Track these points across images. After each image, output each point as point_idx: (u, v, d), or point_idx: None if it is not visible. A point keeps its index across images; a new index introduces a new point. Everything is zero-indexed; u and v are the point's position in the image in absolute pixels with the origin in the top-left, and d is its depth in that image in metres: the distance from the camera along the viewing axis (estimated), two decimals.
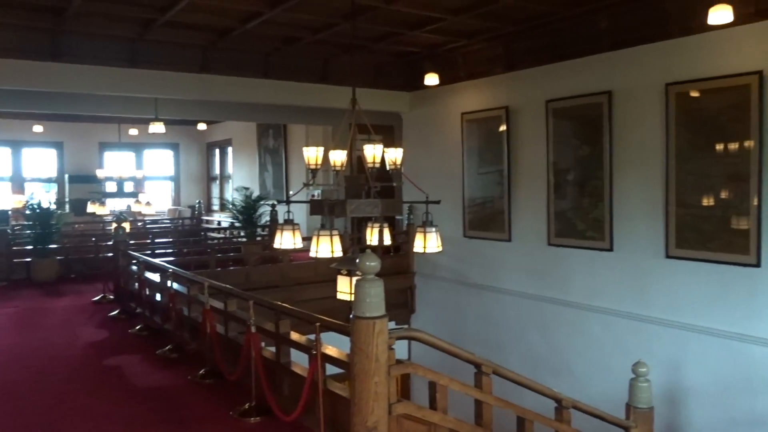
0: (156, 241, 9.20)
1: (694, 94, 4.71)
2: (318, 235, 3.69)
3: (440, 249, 4.03)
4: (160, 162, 14.28)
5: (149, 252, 7.07)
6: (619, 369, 3.95)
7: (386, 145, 4.08)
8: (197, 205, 12.71)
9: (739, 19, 4.32)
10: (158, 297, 5.30)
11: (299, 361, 3.55)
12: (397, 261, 7.30)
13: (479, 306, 6.68)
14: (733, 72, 4.46)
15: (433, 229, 4.01)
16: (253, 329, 3.47)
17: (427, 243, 4.00)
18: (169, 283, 4.78)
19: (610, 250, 5.34)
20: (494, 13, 5.26)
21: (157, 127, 7.91)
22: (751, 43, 4.42)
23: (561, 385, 4.21)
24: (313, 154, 3.97)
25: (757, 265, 4.41)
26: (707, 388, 4.73)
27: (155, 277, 5.38)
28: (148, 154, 14.00)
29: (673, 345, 4.92)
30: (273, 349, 3.68)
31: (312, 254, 3.71)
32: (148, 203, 10.54)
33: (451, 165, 6.91)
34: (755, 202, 4.40)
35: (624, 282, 5.29)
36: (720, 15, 4.30)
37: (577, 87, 5.55)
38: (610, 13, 5.14)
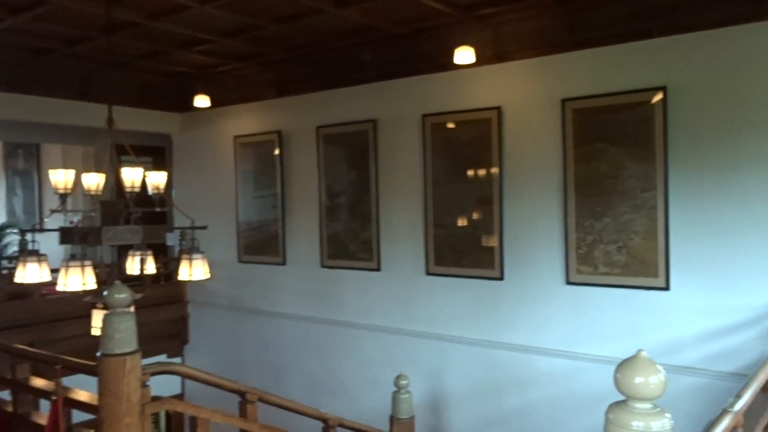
0: None
1: (448, 125, 5.16)
2: (67, 267, 3.37)
3: (208, 276, 3.90)
4: None
5: None
6: (388, 382, 4.14)
7: (157, 168, 3.88)
8: None
9: (481, 60, 4.86)
10: None
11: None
12: (169, 290, 6.92)
13: (257, 331, 6.57)
14: (478, 107, 4.96)
15: (200, 256, 3.88)
16: None
17: (193, 270, 3.85)
18: None
19: (378, 270, 5.59)
20: (264, 38, 5.28)
21: None
22: (492, 81, 4.96)
23: (337, 404, 4.31)
24: (61, 178, 3.63)
25: (501, 278, 4.92)
26: (464, 392, 5.14)
27: None
28: None
29: (434, 355, 5.27)
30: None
31: (60, 288, 3.38)
32: None
33: (226, 189, 6.74)
34: (498, 223, 4.92)
35: (391, 299, 5.55)
36: (464, 55, 4.81)
37: (345, 114, 5.75)
38: (374, 47, 5.44)
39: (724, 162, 3.99)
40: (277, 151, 6.31)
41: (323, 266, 5.97)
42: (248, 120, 6.59)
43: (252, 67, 6.15)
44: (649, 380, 1.30)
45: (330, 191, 5.93)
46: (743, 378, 2.72)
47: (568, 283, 4.57)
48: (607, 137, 4.36)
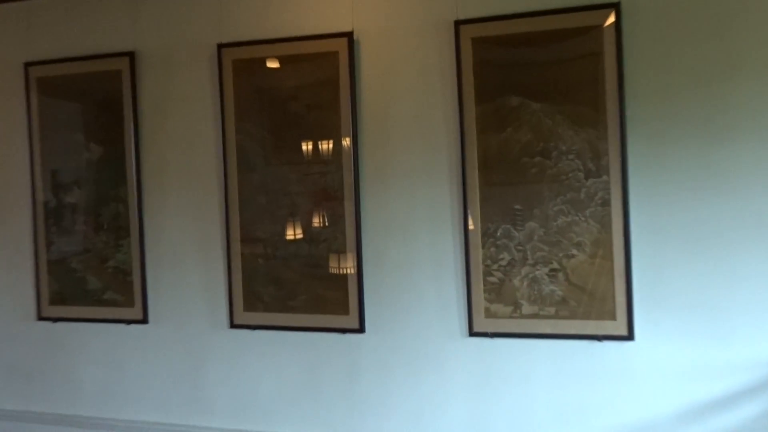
0: None
1: (267, 63, 3.60)
2: None
3: None
4: None
5: None
6: None
7: None
8: None
9: None
10: None
11: None
12: None
13: None
14: (315, 32, 3.49)
15: None
16: None
17: None
18: None
19: (144, 321, 3.86)
20: None
21: None
22: None
23: None
24: None
25: (360, 330, 3.45)
26: None
27: None
28: None
29: None
30: None
31: None
32: None
33: None
34: (353, 233, 3.43)
35: (168, 375, 3.87)
36: None
37: (77, 43, 3.96)
38: None
39: (709, 129, 3.03)
40: None
41: (41, 318, 4.08)
42: None
43: None
44: None
45: (54, 181, 4.11)
46: None
47: (473, 334, 3.32)
48: (528, 87, 3.25)
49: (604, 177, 3.09)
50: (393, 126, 3.42)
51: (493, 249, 3.27)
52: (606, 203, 3.10)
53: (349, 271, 3.45)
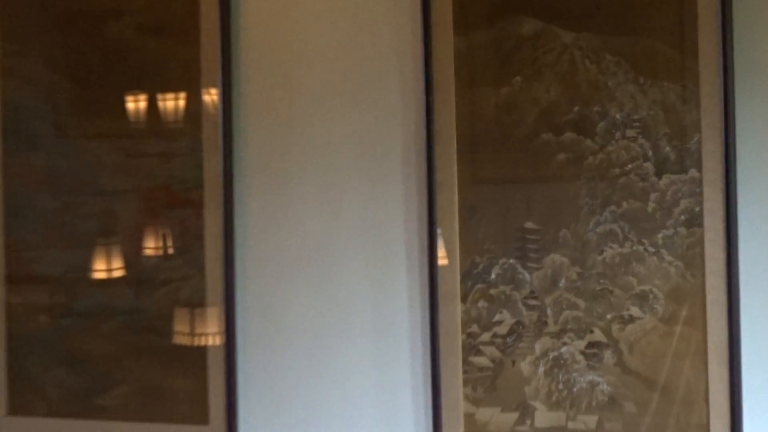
0: None
1: None
2: None
3: None
4: None
5: None
6: None
7: None
8: None
9: None
10: None
11: None
12: None
13: None
14: None
15: None
16: None
17: None
18: None
19: None
20: None
21: None
22: None
23: None
24: None
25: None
26: None
27: None
28: None
29: None
30: None
31: None
32: None
33: None
34: (221, 274, 2.20)
35: None
36: None
37: None
38: None
39: None
40: None
41: None
42: None
43: None
44: None
45: None
46: None
47: None
48: (554, 3, 2.30)
49: (693, 172, 2.02)
50: (301, 71, 2.18)
51: (482, 304, 2.13)
52: (694, 221, 2.02)
53: (210, 341, 2.19)
